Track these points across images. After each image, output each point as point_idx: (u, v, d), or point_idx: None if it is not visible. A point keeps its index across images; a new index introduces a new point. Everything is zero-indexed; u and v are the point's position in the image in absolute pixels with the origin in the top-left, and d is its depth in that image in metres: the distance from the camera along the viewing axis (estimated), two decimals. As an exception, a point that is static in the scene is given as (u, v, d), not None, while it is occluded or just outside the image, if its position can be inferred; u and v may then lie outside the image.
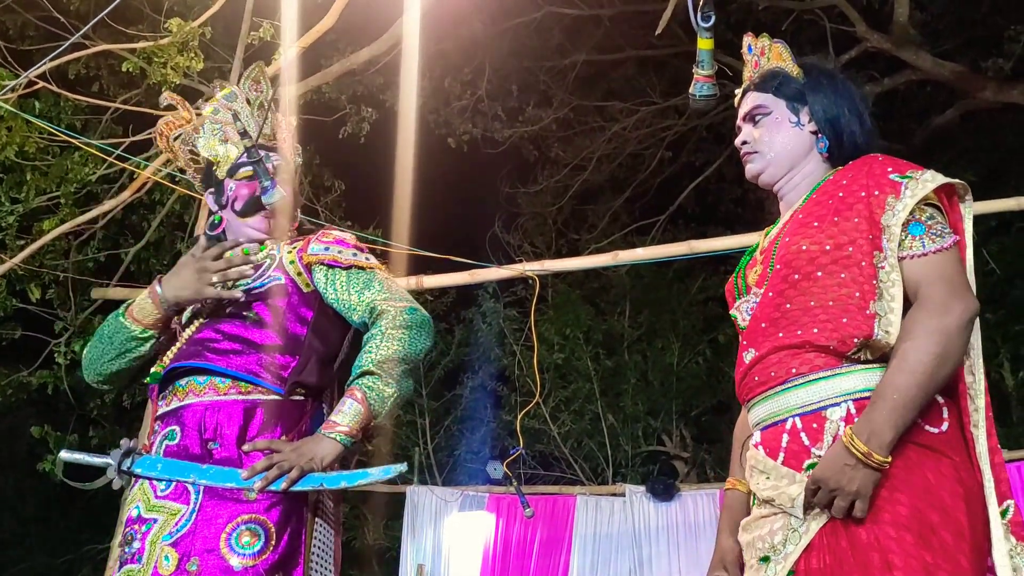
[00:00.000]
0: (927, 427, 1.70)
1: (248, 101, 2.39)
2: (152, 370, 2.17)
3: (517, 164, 10.16)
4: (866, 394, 1.69)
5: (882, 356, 1.72)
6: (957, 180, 1.89)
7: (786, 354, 1.78)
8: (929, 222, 1.79)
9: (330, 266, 2.19)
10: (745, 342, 1.88)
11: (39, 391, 6.64)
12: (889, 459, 1.62)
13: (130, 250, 6.59)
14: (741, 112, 2.09)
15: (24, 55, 5.98)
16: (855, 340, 1.71)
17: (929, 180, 1.82)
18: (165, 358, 2.14)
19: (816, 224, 1.84)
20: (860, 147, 1.95)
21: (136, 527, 2.03)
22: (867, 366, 1.72)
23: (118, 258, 6.62)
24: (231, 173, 2.29)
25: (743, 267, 2.04)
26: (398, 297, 2.16)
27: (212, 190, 2.31)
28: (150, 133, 5.61)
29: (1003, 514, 1.68)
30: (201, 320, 2.16)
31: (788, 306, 1.81)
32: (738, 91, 2.19)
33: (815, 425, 1.71)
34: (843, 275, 1.76)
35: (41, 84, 4.76)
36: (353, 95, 7.72)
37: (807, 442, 1.72)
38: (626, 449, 9.28)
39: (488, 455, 8.80)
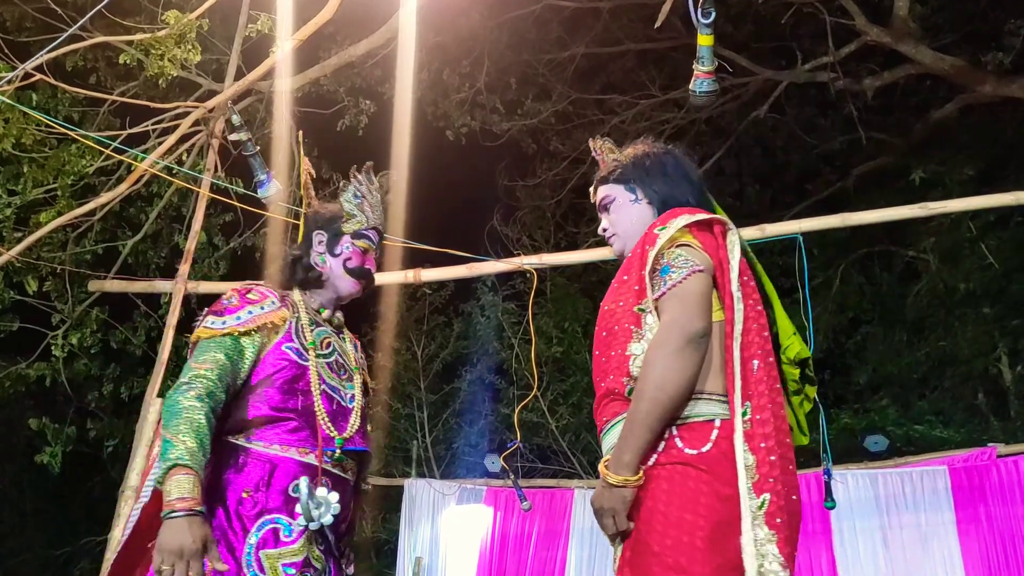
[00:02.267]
0: (686, 449, 1.95)
1: (380, 197, 2.84)
2: (338, 437, 2.44)
3: (515, 157, 10.15)
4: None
5: None
6: (713, 216, 2.15)
7: (604, 402, 2.11)
8: (675, 261, 2.06)
9: None
10: (594, 386, 2.21)
11: (37, 383, 6.63)
12: (630, 478, 1.92)
13: (127, 242, 6.58)
14: (596, 204, 2.40)
15: (21, 47, 5.96)
16: (623, 381, 2.03)
17: (675, 225, 2.09)
18: (344, 432, 2.44)
19: (616, 286, 2.16)
20: (691, 204, 2.22)
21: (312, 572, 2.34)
22: None
23: (115, 250, 6.60)
24: (355, 236, 2.68)
25: None
26: None
27: (324, 233, 2.66)
28: (147, 125, 5.61)
29: (760, 506, 1.89)
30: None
31: (603, 360, 2.13)
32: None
33: None
34: (626, 325, 2.07)
35: (38, 76, 4.74)
36: (351, 88, 7.70)
37: None
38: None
39: (486, 448, 8.80)
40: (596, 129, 9.62)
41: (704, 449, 1.94)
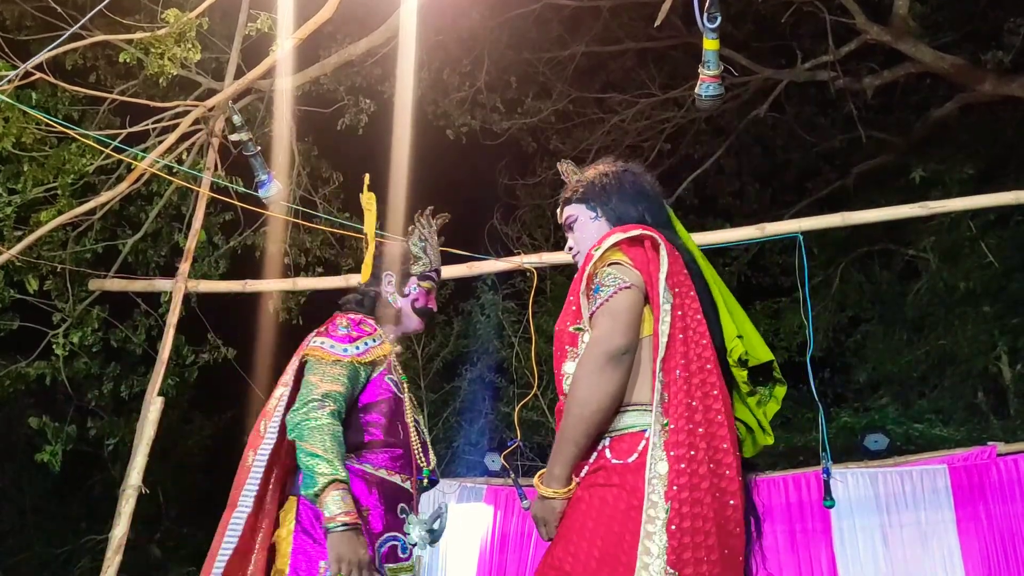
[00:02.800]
0: (613, 459, 2.04)
1: (437, 241, 3.04)
2: (426, 468, 2.79)
3: (516, 156, 10.14)
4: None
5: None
6: (643, 232, 2.20)
7: (557, 417, 2.18)
8: (605, 280, 2.13)
9: None
10: None
11: (37, 382, 6.62)
12: (559, 491, 2.05)
13: (128, 241, 6.57)
14: (563, 224, 2.50)
15: (21, 45, 5.96)
16: (561, 399, 2.13)
17: (606, 244, 2.18)
18: (430, 464, 2.79)
19: (564, 307, 2.25)
20: (643, 222, 2.30)
21: None
22: None
23: (116, 249, 6.60)
24: (421, 277, 2.91)
25: None
26: None
27: (394, 274, 2.90)
28: (147, 124, 5.60)
29: (666, 511, 1.94)
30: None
31: (557, 376, 2.22)
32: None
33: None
34: (563, 346, 2.19)
35: (38, 75, 4.73)
36: (351, 86, 7.69)
37: None
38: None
39: (486, 447, 8.80)
40: (596, 128, 9.62)
41: (630, 460, 2.02)
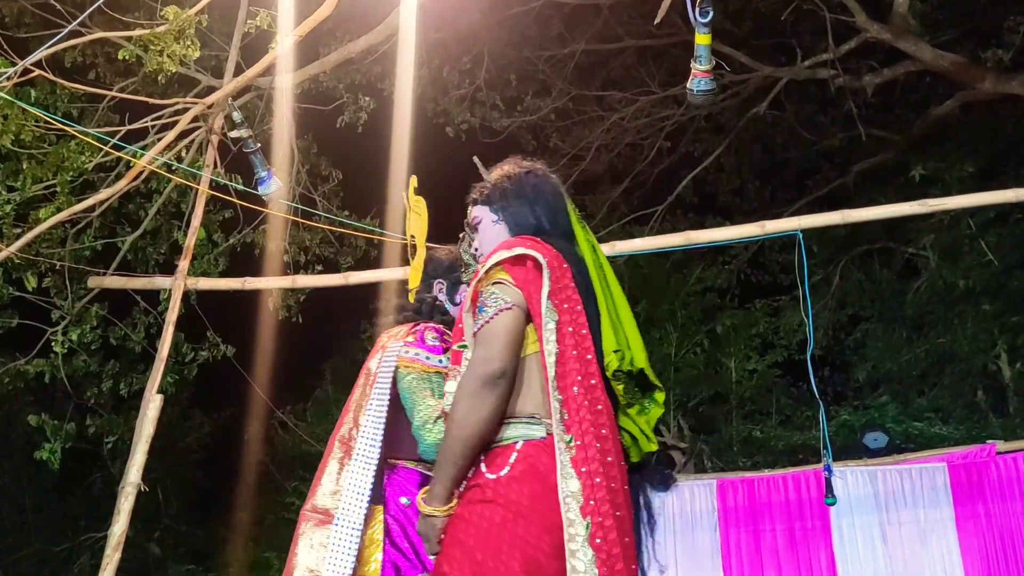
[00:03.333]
0: (487, 473, 2.07)
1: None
2: None
3: (515, 154, 10.11)
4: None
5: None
6: (527, 252, 2.18)
7: None
8: (488, 300, 2.13)
9: None
10: None
11: (36, 379, 6.62)
12: (439, 509, 2.06)
13: (127, 239, 6.57)
14: (468, 224, 2.51)
15: (20, 43, 5.95)
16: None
17: (491, 262, 2.18)
18: None
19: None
20: (537, 224, 2.32)
21: None
22: None
23: (115, 247, 6.59)
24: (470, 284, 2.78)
25: None
26: None
27: (444, 281, 2.89)
28: (147, 121, 5.60)
29: (586, 529, 1.97)
30: None
31: None
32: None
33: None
34: (451, 366, 2.21)
35: (37, 72, 4.72)
36: (351, 84, 7.68)
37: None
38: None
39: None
40: (596, 125, 9.62)
41: (502, 474, 2.05)
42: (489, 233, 2.39)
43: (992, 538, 5.87)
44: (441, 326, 2.81)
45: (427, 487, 2.13)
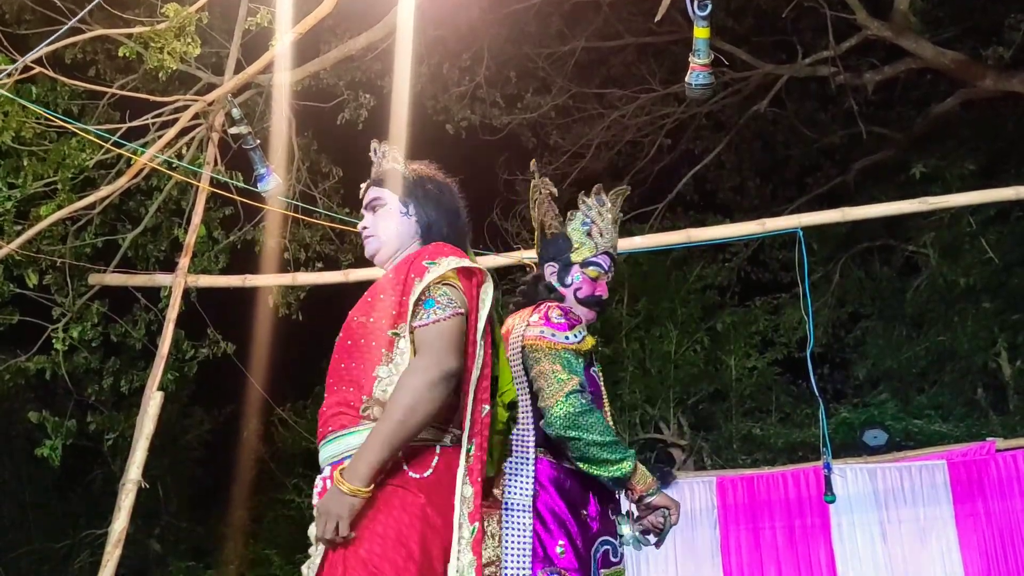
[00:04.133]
0: (410, 472, 2.10)
1: (612, 218, 2.91)
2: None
3: (515, 151, 10.12)
4: None
5: None
6: (477, 266, 2.27)
7: (334, 411, 2.19)
8: (440, 298, 2.16)
9: None
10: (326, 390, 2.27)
11: (37, 376, 6.63)
12: (361, 489, 2.01)
13: (127, 236, 6.57)
14: (364, 201, 2.47)
15: (21, 40, 5.95)
16: (363, 398, 2.14)
17: (445, 265, 2.20)
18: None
19: (369, 300, 2.27)
20: (447, 237, 2.35)
21: None
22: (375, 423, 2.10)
23: (115, 244, 6.60)
24: (584, 265, 2.81)
25: None
26: None
27: (555, 264, 2.84)
28: (147, 119, 5.60)
29: (471, 534, 2.09)
30: None
31: (342, 368, 2.22)
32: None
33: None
34: (373, 343, 2.18)
35: (38, 69, 4.73)
36: (351, 81, 7.68)
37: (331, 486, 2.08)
38: (623, 436, 9.29)
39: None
40: (596, 123, 9.62)
41: (426, 475, 2.11)
42: (395, 221, 2.38)
43: (992, 535, 5.88)
44: (565, 304, 2.78)
45: (345, 464, 2.07)
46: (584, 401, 2.51)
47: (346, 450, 2.12)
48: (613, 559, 2.59)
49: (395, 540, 2.04)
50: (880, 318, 10.12)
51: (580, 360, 2.63)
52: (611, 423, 2.67)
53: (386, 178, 2.44)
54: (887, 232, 9.94)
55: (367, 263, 3.17)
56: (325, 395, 2.28)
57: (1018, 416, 8.70)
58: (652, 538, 2.61)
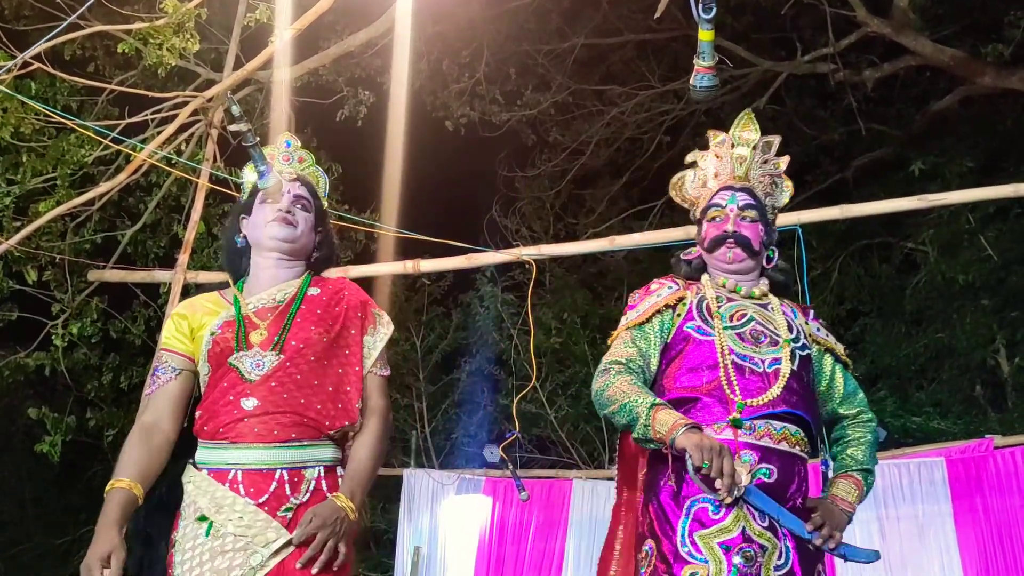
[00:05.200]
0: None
1: (747, 143, 2.94)
2: (740, 403, 2.36)
3: (515, 148, 10.13)
4: (331, 463, 2.29)
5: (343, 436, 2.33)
6: None
7: (302, 427, 2.26)
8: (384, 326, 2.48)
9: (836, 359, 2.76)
10: (248, 391, 2.29)
11: (36, 373, 6.64)
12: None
13: (127, 232, 6.57)
14: (294, 191, 2.56)
15: (20, 35, 5.94)
16: (345, 425, 2.30)
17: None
18: (758, 397, 2.37)
19: (330, 323, 2.39)
20: (320, 259, 2.56)
21: (754, 548, 2.25)
22: (333, 442, 2.30)
23: (115, 240, 6.60)
24: (703, 214, 2.71)
25: (240, 324, 2.39)
26: None
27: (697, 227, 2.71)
28: (146, 115, 5.60)
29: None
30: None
31: (316, 386, 2.30)
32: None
33: (296, 479, 2.22)
34: (354, 380, 2.36)
35: (37, 65, 4.73)
36: (351, 78, 7.68)
37: (288, 491, 2.20)
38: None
39: (485, 439, 8.80)
40: (596, 120, 9.62)
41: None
42: (308, 230, 2.54)
43: (990, 532, 5.88)
44: (661, 279, 2.70)
45: (341, 490, 2.27)
46: (600, 377, 2.42)
47: (310, 459, 2.31)
48: (713, 516, 2.28)
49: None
50: (879, 315, 10.13)
51: (642, 331, 2.51)
52: (725, 367, 2.39)
53: (314, 188, 2.64)
54: (886, 229, 9.94)
55: (366, 260, 3.17)
56: (251, 395, 2.41)
57: (1016, 413, 8.71)
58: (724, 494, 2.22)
